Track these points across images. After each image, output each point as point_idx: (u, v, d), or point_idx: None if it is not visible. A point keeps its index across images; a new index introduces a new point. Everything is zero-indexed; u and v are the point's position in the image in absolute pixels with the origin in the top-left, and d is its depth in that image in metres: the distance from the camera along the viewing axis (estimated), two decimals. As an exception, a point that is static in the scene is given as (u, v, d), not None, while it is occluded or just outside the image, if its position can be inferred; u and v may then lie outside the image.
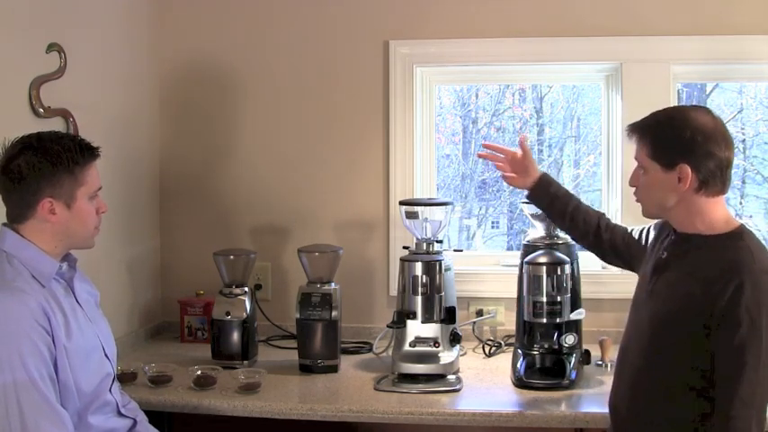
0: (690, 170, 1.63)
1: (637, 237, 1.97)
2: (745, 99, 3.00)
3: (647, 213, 1.79)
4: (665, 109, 1.75)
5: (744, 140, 2.97)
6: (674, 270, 1.69)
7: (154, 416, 1.95)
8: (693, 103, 1.75)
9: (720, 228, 1.66)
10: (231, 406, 2.05)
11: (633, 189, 1.79)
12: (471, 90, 3.16)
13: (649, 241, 1.89)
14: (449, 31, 2.75)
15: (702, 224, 1.67)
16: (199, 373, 2.19)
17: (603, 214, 2.10)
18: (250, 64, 2.85)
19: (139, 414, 1.84)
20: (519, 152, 2.14)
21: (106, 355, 1.73)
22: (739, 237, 1.64)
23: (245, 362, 2.41)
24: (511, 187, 2.52)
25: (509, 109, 3.19)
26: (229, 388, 2.15)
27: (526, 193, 2.16)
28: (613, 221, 2.10)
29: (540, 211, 2.22)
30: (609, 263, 2.14)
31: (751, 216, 2.99)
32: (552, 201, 2.10)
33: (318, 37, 2.81)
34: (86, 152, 1.65)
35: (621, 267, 2.08)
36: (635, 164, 1.76)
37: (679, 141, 1.64)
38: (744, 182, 3.00)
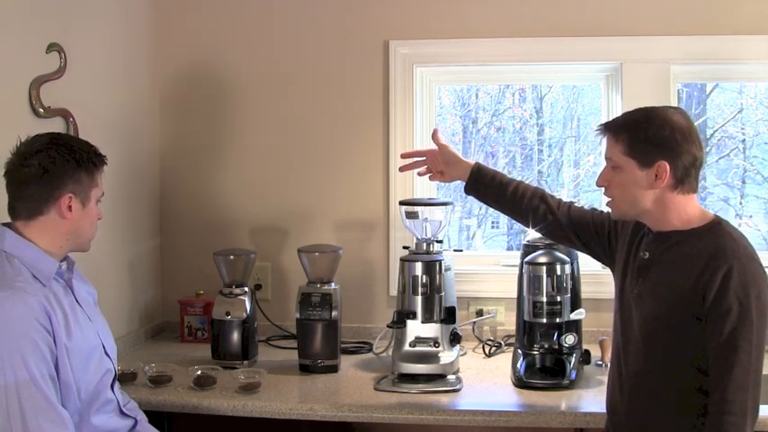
0: (668, 167, 1.63)
1: (606, 218, 1.91)
2: (745, 99, 3.00)
3: (619, 213, 1.76)
4: (638, 109, 1.74)
5: (744, 140, 2.96)
6: (659, 269, 1.69)
7: (154, 416, 1.95)
8: (667, 104, 1.74)
9: (697, 221, 1.68)
10: (231, 406, 2.05)
11: (602, 189, 1.77)
12: (471, 90, 3.16)
13: (620, 230, 1.86)
14: (449, 31, 2.75)
15: (679, 220, 1.68)
16: (199, 373, 2.19)
17: (543, 190, 2.00)
18: (250, 64, 2.85)
19: (139, 414, 1.84)
20: (436, 148, 2.11)
21: (107, 353, 1.73)
22: (718, 226, 1.66)
23: (245, 362, 2.41)
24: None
25: (509, 109, 3.19)
26: (229, 388, 2.15)
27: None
28: (559, 198, 2.02)
29: None
30: (560, 241, 2.06)
31: (751, 216, 2.99)
32: (490, 187, 2.02)
33: (318, 37, 2.82)
34: (100, 157, 1.70)
35: (575, 247, 2.02)
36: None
37: (658, 139, 1.64)
38: (744, 182, 2.99)
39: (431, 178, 2.16)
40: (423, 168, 2.16)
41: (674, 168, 1.64)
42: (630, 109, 1.76)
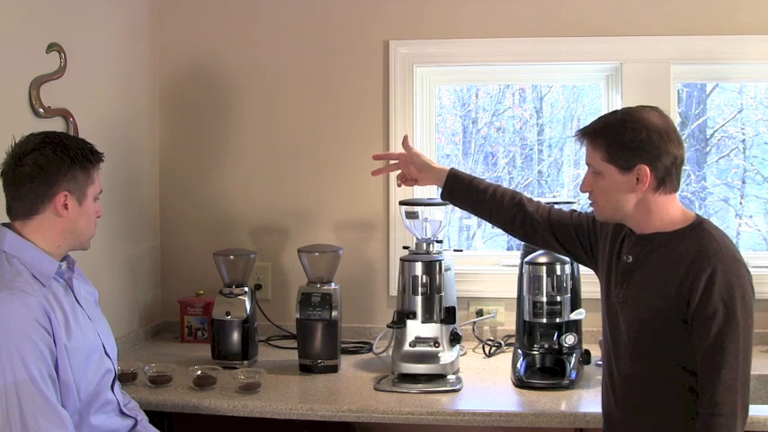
0: (648, 170, 1.63)
1: (585, 220, 1.91)
2: (745, 99, 2.99)
3: (604, 217, 1.76)
4: (613, 112, 1.74)
5: (744, 140, 2.96)
6: (643, 273, 1.68)
7: (154, 416, 1.95)
8: (643, 104, 1.72)
9: (679, 222, 1.67)
10: (231, 406, 2.05)
11: (586, 194, 1.76)
12: (471, 90, 3.16)
13: (600, 231, 1.85)
14: (449, 31, 2.75)
15: (661, 222, 1.67)
16: (199, 373, 2.19)
17: (521, 195, 1.98)
18: (250, 64, 2.85)
19: (140, 414, 1.84)
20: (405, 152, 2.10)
21: (107, 353, 1.73)
22: (700, 227, 1.65)
23: (245, 362, 2.41)
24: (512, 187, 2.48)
25: (509, 109, 3.19)
26: (229, 388, 2.15)
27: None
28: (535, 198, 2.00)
29: None
30: (541, 246, 2.05)
31: (751, 216, 2.99)
32: (467, 194, 2.01)
33: (318, 37, 2.82)
34: (96, 154, 1.69)
35: (557, 251, 2.01)
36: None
37: (635, 143, 1.63)
38: (744, 182, 2.99)
39: (406, 184, 2.15)
40: (398, 179, 2.14)
41: (655, 170, 1.63)
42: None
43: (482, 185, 2.00)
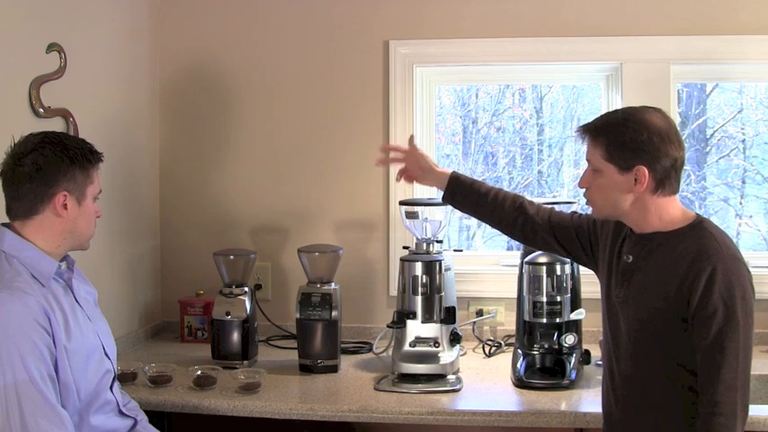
0: (647, 171, 1.63)
1: (585, 221, 1.91)
2: (745, 99, 2.99)
3: (602, 214, 1.76)
4: (615, 111, 1.74)
5: (744, 140, 2.96)
6: (643, 273, 1.68)
7: (154, 416, 1.95)
8: (645, 104, 1.72)
9: (679, 222, 1.67)
10: (231, 406, 2.05)
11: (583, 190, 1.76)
12: (471, 90, 3.16)
13: (600, 231, 1.85)
14: (449, 31, 2.75)
15: (660, 222, 1.67)
16: (199, 373, 2.19)
17: (522, 198, 1.99)
18: (250, 64, 2.85)
19: (140, 414, 1.84)
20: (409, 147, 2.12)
21: (106, 353, 1.73)
22: (700, 226, 1.65)
23: (245, 362, 2.41)
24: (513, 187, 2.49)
25: (509, 109, 3.19)
26: (229, 388, 2.15)
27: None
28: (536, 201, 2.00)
29: None
30: (542, 248, 2.06)
31: (751, 216, 2.99)
32: (468, 197, 2.01)
33: (318, 37, 2.82)
34: (95, 154, 1.69)
35: (558, 252, 2.00)
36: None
37: (635, 143, 1.63)
38: (744, 182, 2.99)
39: (406, 179, 2.14)
40: (398, 174, 2.15)
41: (654, 172, 1.63)
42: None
43: (483, 189, 2.01)
